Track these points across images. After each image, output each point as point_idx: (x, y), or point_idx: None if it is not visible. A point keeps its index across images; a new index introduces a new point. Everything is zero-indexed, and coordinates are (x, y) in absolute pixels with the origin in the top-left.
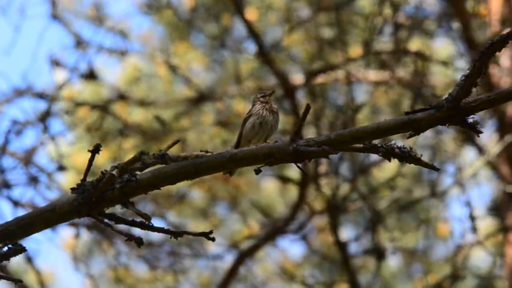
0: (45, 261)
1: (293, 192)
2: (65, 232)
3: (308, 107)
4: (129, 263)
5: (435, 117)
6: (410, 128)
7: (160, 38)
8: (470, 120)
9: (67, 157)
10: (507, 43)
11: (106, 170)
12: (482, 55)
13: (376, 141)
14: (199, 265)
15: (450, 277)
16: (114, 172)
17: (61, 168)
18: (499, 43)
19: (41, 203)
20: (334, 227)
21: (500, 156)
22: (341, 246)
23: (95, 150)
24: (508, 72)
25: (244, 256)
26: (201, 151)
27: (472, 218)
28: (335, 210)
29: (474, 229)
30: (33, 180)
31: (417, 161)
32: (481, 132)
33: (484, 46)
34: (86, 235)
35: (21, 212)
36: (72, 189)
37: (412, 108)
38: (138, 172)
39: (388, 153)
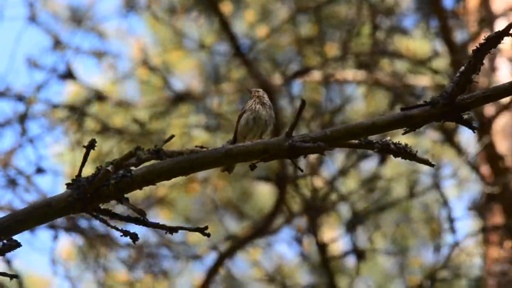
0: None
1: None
2: (44, 234)
3: (303, 103)
4: (109, 265)
5: (430, 114)
6: (405, 125)
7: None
8: (465, 117)
9: (46, 159)
10: (502, 40)
11: (101, 166)
12: (477, 52)
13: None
14: (176, 269)
15: (429, 278)
16: (109, 168)
17: (40, 170)
18: (494, 39)
19: (19, 206)
20: (313, 229)
21: (480, 156)
22: (321, 247)
23: (90, 146)
24: (486, 72)
25: (224, 257)
26: (196, 146)
27: (451, 219)
28: (314, 211)
29: (453, 230)
30: (12, 183)
31: (412, 156)
32: (477, 128)
33: (480, 43)
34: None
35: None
36: (67, 184)
37: (391, 109)
38: (133, 168)
39: (384, 149)
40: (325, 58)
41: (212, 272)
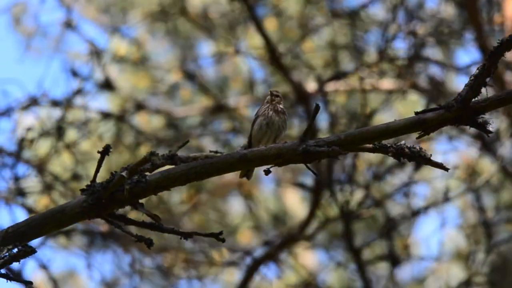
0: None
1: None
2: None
3: (317, 107)
4: (144, 271)
5: (445, 117)
6: (420, 128)
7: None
8: (480, 120)
9: (82, 165)
10: None
11: (116, 171)
12: (492, 55)
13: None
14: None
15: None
16: (123, 173)
17: (76, 176)
18: (508, 43)
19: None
20: (348, 234)
21: None
22: (355, 252)
23: (104, 152)
24: None
25: (259, 263)
26: (210, 151)
27: (486, 225)
28: (349, 216)
29: (488, 235)
30: (48, 188)
31: (427, 161)
32: (491, 132)
33: (494, 46)
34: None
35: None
36: (82, 190)
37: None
38: (147, 173)
39: (398, 153)
40: (360, 63)
41: (247, 278)
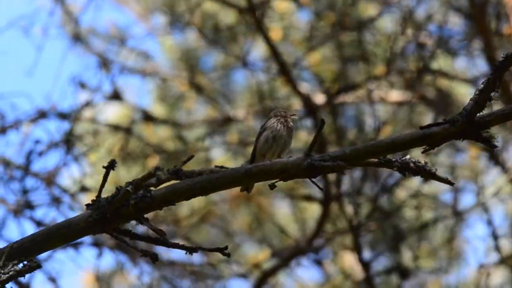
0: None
1: (309, 214)
2: (88, 252)
3: (322, 122)
4: (152, 284)
5: (450, 132)
6: (425, 143)
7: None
8: (485, 135)
9: (90, 178)
10: None
11: (121, 186)
12: (497, 69)
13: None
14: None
15: None
16: (129, 188)
17: (84, 189)
18: None
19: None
20: (357, 246)
21: None
22: (364, 265)
23: (109, 166)
24: None
25: (267, 276)
26: (215, 166)
27: (495, 237)
28: (357, 229)
29: (497, 248)
30: (56, 201)
31: (432, 175)
32: (496, 147)
33: (498, 60)
34: (109, 255)
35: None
36: (87, 205)
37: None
38: (152, 188)
39: (403, 168)
40: (368, 76)
41: None
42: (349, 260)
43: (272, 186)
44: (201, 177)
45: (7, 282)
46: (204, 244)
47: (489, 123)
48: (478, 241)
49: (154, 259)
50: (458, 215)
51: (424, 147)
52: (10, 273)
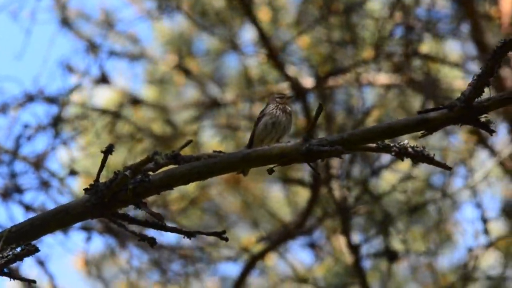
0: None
1: (300, 198)
2: (78, 236)
3: (320, 107)
4: (141, 267)
5: (448, 117)
6: (423, 128)
7: (172, 41)
8: (483, 120)
9: (78, 161)
10: None
11: (119, 171)
12: (495, 55)
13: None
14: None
15: (461, 280)
16: (127, 173)
17: (73, 172)
18: (511, 42)
19: (52, 207)
20: (345, 230)
21: None
22: (353, 248)
23: (107, 151)
24: None
25: (256, 259)
26: (214, 151)
27: (484, 220)
28: (346, 212)
29: (486, 231)
30: (45, 185)
31: (430, 160)
32: (494, 131)
33: (496, 46)
34: (98, 239)
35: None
36: (86, 189)
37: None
38: (151, 173)
39: (401, 153)
40: (357, 59)
41: (246, 272)
42: (341, 243)
43: (271, 171)
44: (198, 162)
45: (6, 266)
46: (195, 228)
47: (487, 108)
48: (468, 224)
49: (152, 243)
50: (448, 197)
51: (421, 132)
52: (8, 257)
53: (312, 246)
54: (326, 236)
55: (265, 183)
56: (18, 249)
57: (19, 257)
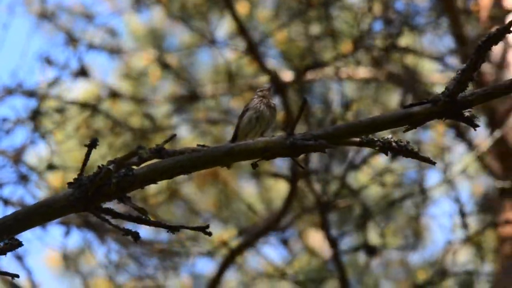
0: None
1: (275, 193)
2: (56, 231)
3: (305, 101)
4: (120, 261)
5: (432, 111)
6: (407, 122)
7: (150, 35)
8: (467, 114)
9: (57, 155)
10: (504, 37)
11: (103, 165)
12: (479, 49)
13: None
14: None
15: (438, 274)
16: (110, 167)
17: (51, 167)
18: (496, 37)
19: (31, 202)
20: (324, 224)
21: (491, 152)
22: (332, 242)
23: (91, 145)
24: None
25: (234, 254)
26: (197, 145)
27: (462, 214)
28: (325, 207)
29: (464, 226)
30: (23, 179)
31: (414, 154)
32: (478, 126)
33: (480, 40)
34: (76, 234)
35: (10, 211)
36: (69, 183)
37: (402, 104)
38: (134, 167)
39: (385, 147)
40: (336, 53)
41: (223, 268)
42: (315, 238)
43: (255, 165)
44: (182, 156)
45: None
46: (170, 223)
47: (471, 102)
48: (445, 219)
49: (135, 237)
50: (425, 192)
51: (406, 126)
52: None
53: (285, 242)
54: (299, 232)
55: (239, 178)
56: (2, 244)
57: (3, 252)
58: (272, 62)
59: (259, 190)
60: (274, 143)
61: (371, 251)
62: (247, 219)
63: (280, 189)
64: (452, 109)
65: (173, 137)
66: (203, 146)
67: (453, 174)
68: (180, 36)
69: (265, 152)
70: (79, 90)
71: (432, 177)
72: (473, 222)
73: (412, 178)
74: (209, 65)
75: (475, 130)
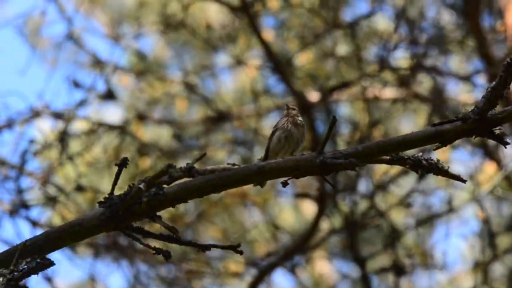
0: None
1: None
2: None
3: (334, 119)
4: (149, 283)
5: (462, 129)
6: (437, 140)
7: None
8: (497, 132)
9: (85, 177)
10: None
11: (133, 184)
12: (508, 66)
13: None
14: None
15: None
16: (141, 186)
17: (79, 188)
18: None
19: (59, 223)
20: (353, 244)
21: None
22: (361, 263)
23: (122, 164)
24: None
25: (264, 274)
26: (228, 164)
27: (491, 234)
28: (353, 226)
29: (492, 245)
30: (51, 200)
31: (445, 173)
32: (508, 143)
33: (509, 57)
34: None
35: (39, 233)
36: (100, 202)
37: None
38: (165, 186)
39: (416, 165)
40: (362, 73)
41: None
42: (322, 266)
43: (285, 184)
44: (213, 175)
45: (21, 280)
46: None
47: (501, 120)
48: (473, 238)
49: (166, 256)
50: (453, 211)
51: (436, 144)
52: (23, 270)
53: (292, 270)
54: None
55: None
56: (34, 263)
57: (34, 271)
58: (299, 83)
59: (266, 219)
60: (304, 161)
61: (400, 271)
62: (252, 249)
63: (286, 217)
64: (482, 127)
65: (203, 156)
66: (234, 164)
67: (481, 194)
68: (203, 58)
69: (295, 170)
70: (107, 112)
71: (459, 197)
72: (501, 242)
73: (441, 198)
74: (235, 86)
75: (505, 147)
